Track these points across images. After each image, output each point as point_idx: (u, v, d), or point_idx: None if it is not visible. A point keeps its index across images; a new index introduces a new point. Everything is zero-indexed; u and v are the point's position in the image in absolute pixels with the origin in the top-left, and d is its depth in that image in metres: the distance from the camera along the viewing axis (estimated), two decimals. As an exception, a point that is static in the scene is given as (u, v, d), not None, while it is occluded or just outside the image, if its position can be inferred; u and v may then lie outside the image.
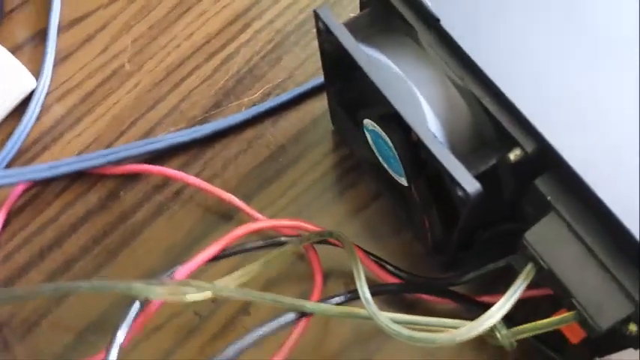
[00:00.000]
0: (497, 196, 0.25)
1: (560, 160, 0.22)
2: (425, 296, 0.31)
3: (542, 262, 0.22)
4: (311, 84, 0.36)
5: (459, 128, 0.25)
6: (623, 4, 0.24)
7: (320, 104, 0.36)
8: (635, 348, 0.24)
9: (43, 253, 0.34)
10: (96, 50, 0.39)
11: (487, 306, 0.28)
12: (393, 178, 0.29)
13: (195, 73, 0.38)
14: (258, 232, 0.32)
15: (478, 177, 0.23)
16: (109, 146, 0.37)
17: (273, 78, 0.37)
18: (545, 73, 0.23)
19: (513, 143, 0.23)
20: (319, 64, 0.30)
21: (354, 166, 0.35)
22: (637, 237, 0.20)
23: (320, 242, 0.30)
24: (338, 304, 0.29)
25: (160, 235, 0.34)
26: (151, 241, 0.34)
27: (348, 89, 0.30)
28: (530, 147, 0.22)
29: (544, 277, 0.23)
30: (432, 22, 0.25)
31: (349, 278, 0.32)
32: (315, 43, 0.37)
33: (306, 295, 0.31)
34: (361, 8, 0.28)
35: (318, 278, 0.31)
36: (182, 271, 0.28)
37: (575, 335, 0.24)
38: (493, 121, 0.23)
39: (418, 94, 0.25)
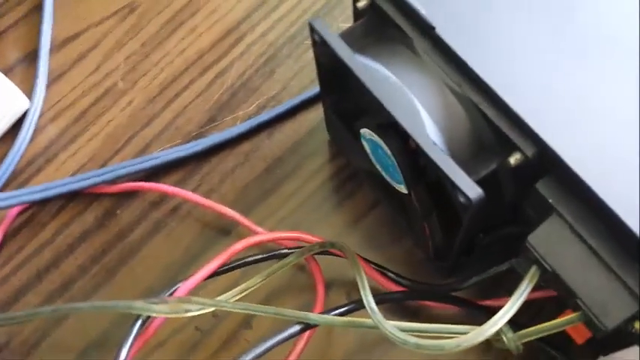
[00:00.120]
0: (498, 200, 0.25)
1: (560, 162, 0.22)
2: (428, 303, 0.31)
3: (546, 265, 0.22)
4: (305, 95, 0.36)
5: (458, 134, 0.25)
6: (619, 5, 0.24)
7: (315, 115, 0.36)
8: (641, 346, 0.24)
9: (41, 274, 0.34)
10: (88, 69, 0.39)
11: (490, 310, 0.28)
12: (391, 186, 0.29)
13: (190, 88, 0.38)
14: (258, 246, 0.32)
15: (479, 182, 0.23)
16: (104, 165, 0.36)
17: (268, 90, 0.37)
18: (542, 77, 0.23)
19: (513, 147, 0.23)
20: (313, 75, 0.31)
21: (352, 176, 0.35)
22: (640, 236, 0.20)
23: (321, 253, 0.30)
24: (342, 314, 0.29)
25: (158, 252, 0.34)
26: (150, 258, 0.34)
27: (344, 99, 0.30)
28: (530, 151, 0.22)
29: (548, 279, 0.23)
30: (427, 29, 0.25)
31: (351, 288, 0.32)
32: (308, 55, 0.38)
33: (308, 307, 0.31)
34: (355, 19, 0.28)
35: (321, 289, 0.31)
36: (183, 288, 0.28)
37: (580, 335, 0.24)
38: (492, 126, 0.24)
39: (416, 102, 0.25)
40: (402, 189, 0.28)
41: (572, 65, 0.24)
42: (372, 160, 0.29)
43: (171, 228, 0.35)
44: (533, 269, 0.23)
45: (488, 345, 0.26)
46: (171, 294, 0.28)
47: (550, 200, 0.22)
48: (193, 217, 0.35)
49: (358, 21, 0.28)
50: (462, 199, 0.23)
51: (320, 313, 0.29)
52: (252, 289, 0.28)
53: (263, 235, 0.31)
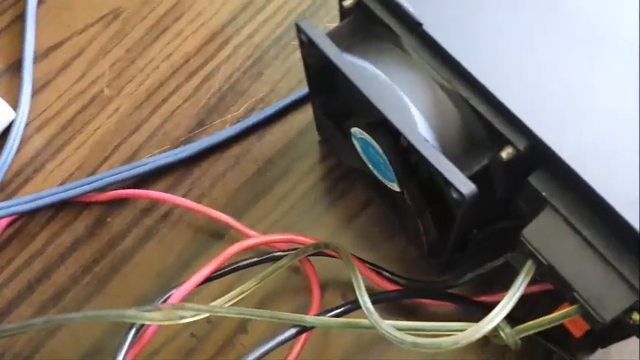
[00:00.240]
0: (491, 195, 0.25)
1: (552, 155, 0.22)
2: (424, 301, 0.31)
3: (541, 258, 0.22)
4: (294, 96, 0.36)
5: (449, 131, 0.25)
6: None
7: (304, 116, 0.36)
8: (639, 337, 0.24)
9: (32, 285, 0.34)
10: (73, 77, 0.39)
11: (486, 305, 0.28)
12: (383, 184, 0.28)
13: (177, 93, 0.38)
14: (251, 249, 0.31)
15: (471, 178, 0.23)
16: (92, 173, 0.36)
17: (256, 93, 0.37)
18: (531, 70, 0.23)
19: (505, 142, 0.23)
20: (301, 76, 0.30)
21: (343, 176, 0.35)
22: (635, 226, 0.20)
23: (315, 254, 0.30)
24: (338, 315, 0.28)
25: (150, 259, 0.34)
26: (142, 265, 0.34)
27: (333, 99, 0.30)
28: (522, 144, 0.22)
29: (544, 272, 0.22)
30: (414, 26, 0.25)
31: (346, 288, 0.32)
32: (295, 56, 0.38)
33: (303, 309, 0.31)
34: (342, 18, 0.28)
35: (316, 290, 0.31)
36: (177, 295, 0.28)
37: (578, 328, 0.24)
38: (483, 121, 0.23)
39: (406, 99, 0.25)
40: (395, 187, 0.27)
41: (562, 58, 0.23)
42: (363, 159, 0.29)
43: (163, 234, 0.34)
44: (529, 263, 0.23)
45: (485, 341, 0.25)
46: (164, 300, 0.28)
47: (543, 193, 0.22)
48: (185, 222, 0.35)
49: (345, 20, 0.28)
50: (455, 195, 0.23)
51: (316, 314, 0.29)
52: (247, 293, 0.28)
53: (256, 239, 0.31)
